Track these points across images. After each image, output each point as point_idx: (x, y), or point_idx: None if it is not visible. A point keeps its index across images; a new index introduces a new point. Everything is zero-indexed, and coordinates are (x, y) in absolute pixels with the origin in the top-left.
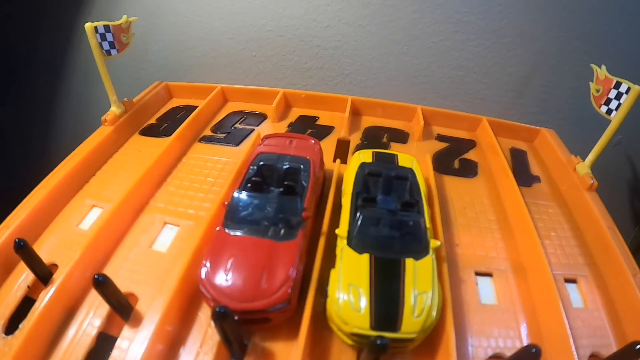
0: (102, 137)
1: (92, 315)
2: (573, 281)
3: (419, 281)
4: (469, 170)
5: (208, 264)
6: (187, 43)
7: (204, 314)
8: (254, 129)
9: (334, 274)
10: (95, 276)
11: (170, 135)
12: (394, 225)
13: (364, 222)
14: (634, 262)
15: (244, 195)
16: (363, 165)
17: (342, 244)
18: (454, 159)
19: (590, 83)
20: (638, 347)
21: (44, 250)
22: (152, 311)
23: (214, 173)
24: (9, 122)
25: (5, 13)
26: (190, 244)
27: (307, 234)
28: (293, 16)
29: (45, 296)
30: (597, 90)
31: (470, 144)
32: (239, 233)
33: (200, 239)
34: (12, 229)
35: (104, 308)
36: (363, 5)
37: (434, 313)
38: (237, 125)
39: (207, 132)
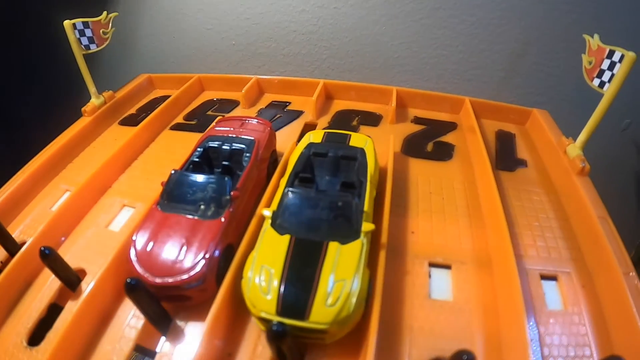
0: (81, 127)
1: (47, 287)
2: (553, 278)
3: (340, 267)
4: (443, 153)
5: (135, 240)
6: (170, 36)
7: None
8: (224, 115)
9: (251, 255)
10: (42, 248)
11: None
12: (321, 206)
13: (290, 202)
14: (628, 257)
15: (179, 176)
16: (310, 145)
17: (266, 225)
18: (428, 141)
19: (583, 55)
20: None
21: (20, 229)
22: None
23: (177, 157)
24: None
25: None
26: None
27: (237, 214)
28: (268, 2)
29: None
30: (590, 63)
31: (450, 127)
32: (169, 211)
33: (141, 218)
34: None
35: (58, 281)
36: None
37: (353, 302)
38: (209, 112)
39: (180, 120)
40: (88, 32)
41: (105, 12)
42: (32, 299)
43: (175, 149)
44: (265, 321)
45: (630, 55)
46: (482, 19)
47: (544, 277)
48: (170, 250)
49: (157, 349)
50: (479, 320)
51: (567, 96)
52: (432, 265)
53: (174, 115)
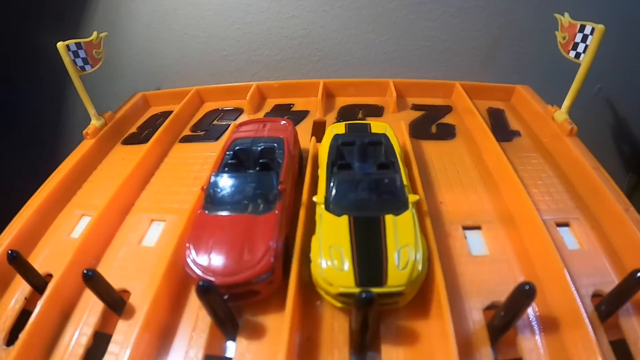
0: (85, 150)
1: (87, 316)
2: (565, 225)
3: (401, 235)
4: (447, 133)
5: (191, 247)
6: (159, 52)
7: (194, 299)
8: (230, 123)
9: (315, 240)
10: (85, 271)
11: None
12: (369, 185)
13: (340, 186)
14: (624, 196)
15: (220, 178)
16: (336, 136)
17: (320, 210)
18: (431, 124)
19: (556, 32)
20: (639, 274)
21: (39, 261)
22: (144, 303)
23: (195, 168)
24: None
25: None
26: (176, 235)
27: (286, 206)
28: (258, 11)
29: (38, 304)
30: (564, 38)
31: (447, 109)
32: (218, 213)
33: (183, 228)
34: (6, 244)
35: (98, 308)
36: None
37: (420, 264)
38: (215, 122)
39: (187, 132)
40: (82, 53)
41: (95, 32)
42: (72, 330)
43: (190, 160)
44: (344, 296)
45: (600, 27)
46: (460, 9)
47: (559, 225)
48: (233, 249)
49: (231, 354)
50: (517, 267)
51: (541, 70)
52: (465, 228)
53: (180, 129)
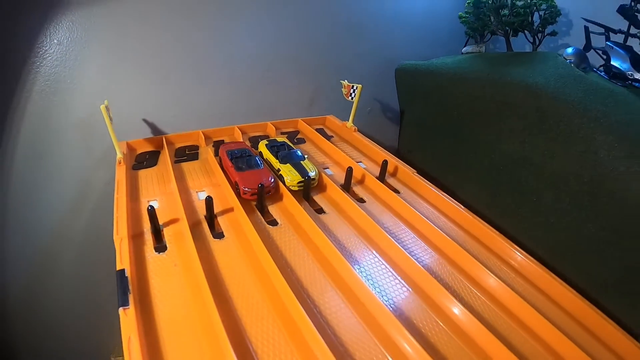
0: (125, 171)
1: None
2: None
3: (308, 166)
4: (300, 141)
5: (239, 183)
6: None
7: None
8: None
9: (285, 173)
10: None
11: (155, 165)
12: (290, 153)
13: (283, 156)
14: (391, 154)
15: (240, 158)
16: (265, 145)
17: (278, 165)
18: (294, 138)
19: (342, 89)
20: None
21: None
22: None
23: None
24: None
25: None
26: None
27: (265, 168)
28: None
29: None
30: (345, 92)
31: (297, 132)
32: (247, 170)
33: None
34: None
35: None
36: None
37: (317, 172)
38: (187, 152)
39: (175, 157)
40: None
41: (106, 101)
42: None
43: (209, 169)
44: (300, 183)
45: (359, 86)
46: (297, 70)
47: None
48: (261, 179)
49: None
50: None
51: (335, 107)
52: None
53: (171, 157)
